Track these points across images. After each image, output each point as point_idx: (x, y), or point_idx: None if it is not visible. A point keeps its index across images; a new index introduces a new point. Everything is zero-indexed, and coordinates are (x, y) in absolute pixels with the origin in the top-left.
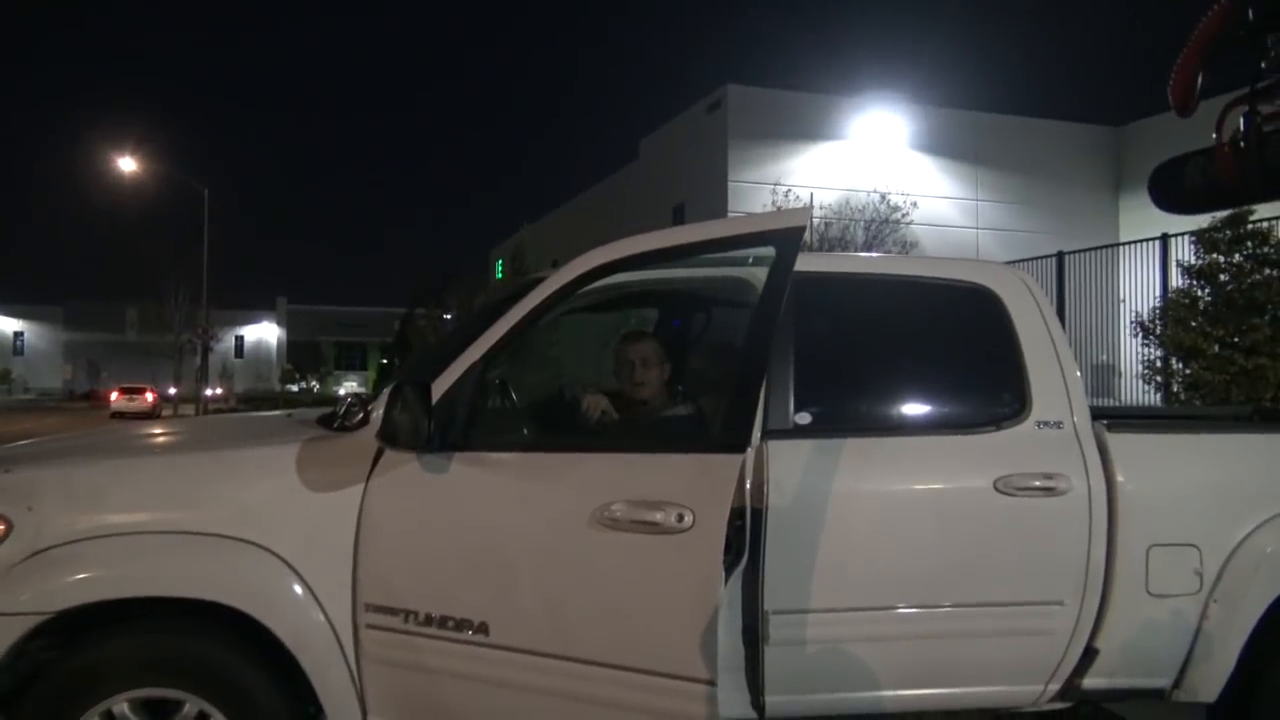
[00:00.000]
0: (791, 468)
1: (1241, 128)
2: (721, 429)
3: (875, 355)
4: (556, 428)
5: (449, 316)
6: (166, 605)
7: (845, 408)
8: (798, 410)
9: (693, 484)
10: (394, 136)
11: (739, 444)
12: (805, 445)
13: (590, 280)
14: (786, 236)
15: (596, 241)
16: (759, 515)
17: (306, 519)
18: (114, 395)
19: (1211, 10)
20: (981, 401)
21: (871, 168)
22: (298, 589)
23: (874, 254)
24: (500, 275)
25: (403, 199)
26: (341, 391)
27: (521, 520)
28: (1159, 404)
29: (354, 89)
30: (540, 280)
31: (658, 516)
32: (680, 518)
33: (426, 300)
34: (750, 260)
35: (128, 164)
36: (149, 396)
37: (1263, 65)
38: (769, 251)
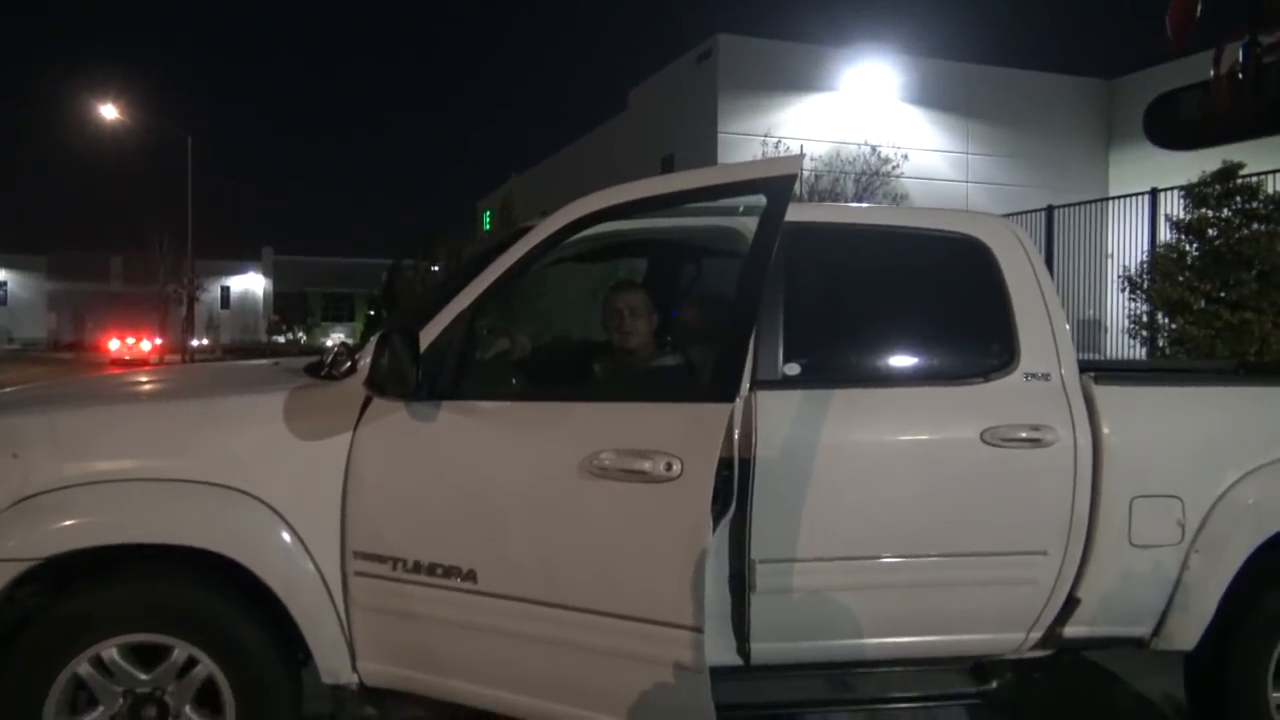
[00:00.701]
0: (780, 418)
1: (1240, 59)
2: (711, 379)
3: (865, 306)
4: (546, 377)
5: (437, 268)
6: (155, 552)
7: (834, 359)
8: (787, 361)
9: (682, 433)
10: (382, 86)
11: (728, 394)
12: (794, 396)
13: (579, 228)
14: (777, 185)
15: (585, 193)
16: (747, 465)
17: (294, 467)
18: (112, 343)
19: None
20: (970, 353)
21: (862, 120)
22: (286, 536)
23: (864, 205)
24: (488, 227)
25: (390, 149)
26: (329, 343)
27: (510, 468)
28: (1145, 358)
29: (342, 37)
30: (529, 229)
31: (646, 465)
32: (669, 466)
33: (414, 251)
34: (740, 210)
35: (109, 111)
36: (144, 345)
37: None
38: (759, 201)
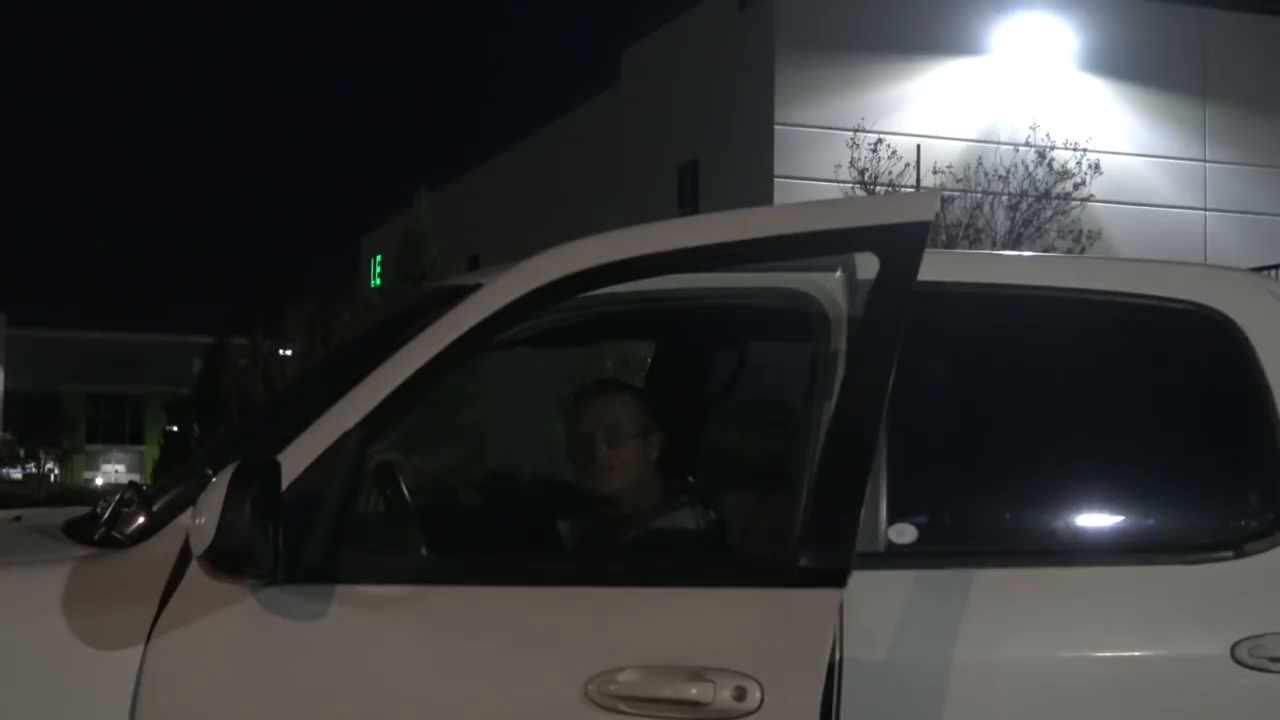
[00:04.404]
0: (883, 615)
1: None
2: (803, 548)
3: (1026, 427)
4: (499, 540)
5: (288, 352)
6: None
7: (973, 516)
8: (894, 520)
9: (759, 638)
10: (187, 53)
11: (836, 571)
12: (906, 579)
13: (551, 299)
14: (900, 239)
15: (544, 222)
16: (828, 691)
17: (29, 705)
18: None
19: None
20: (1207, 508)
21: (1019, 104)
22: None
23: (1026, 254)
24: (378, 280)
25: (207, 159)
26: (98, 480)
27: (460, 708)
28: None
29: None
30: (462, 291)
31: (697, 693)
32: (740, 694)
33: (250, 324)
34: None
35: None
36: None
37: None
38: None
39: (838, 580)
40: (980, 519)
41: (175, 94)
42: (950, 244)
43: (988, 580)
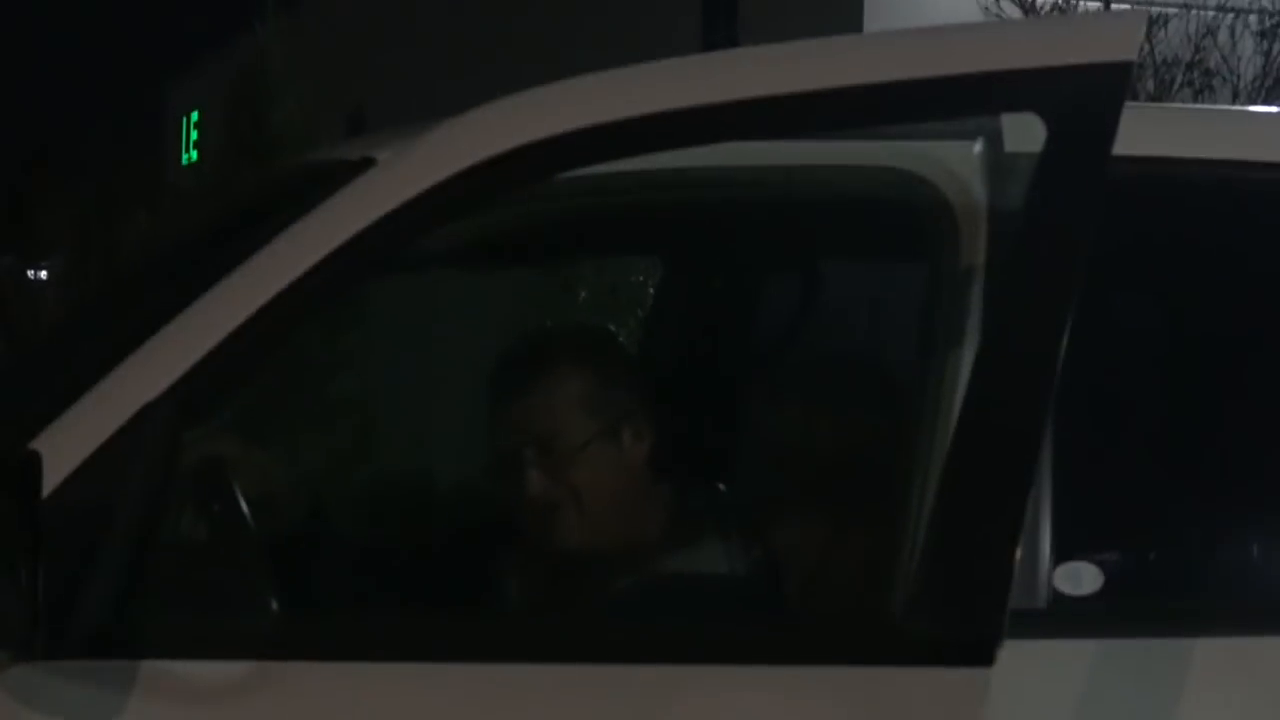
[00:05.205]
0: (1049, 707)
1: None
2: (928, 602)
3: (1267, 399)
4: (403, 588)
5: (44, 274)
6: None
7: (1193, 554)
8: (1064, 556)
9: None
10: None
11: (977, 639)
12: (1084, 652)
13: (496, 187)
14: (1083, 89)
15: (478, 63)
16: None
17: None
18: None
19: None
20: None
21: None
22: None
23: None
24: (193, 153)
25: None
26: None
27: None
28: None
29: None
30: (339, 170)
31: None
32: None
33: None
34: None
35: None
36: None
37: None
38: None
39: (981, 655)
40: (1204, 558)
41: None
42: (1163, 94)
43: (1216, 655)
